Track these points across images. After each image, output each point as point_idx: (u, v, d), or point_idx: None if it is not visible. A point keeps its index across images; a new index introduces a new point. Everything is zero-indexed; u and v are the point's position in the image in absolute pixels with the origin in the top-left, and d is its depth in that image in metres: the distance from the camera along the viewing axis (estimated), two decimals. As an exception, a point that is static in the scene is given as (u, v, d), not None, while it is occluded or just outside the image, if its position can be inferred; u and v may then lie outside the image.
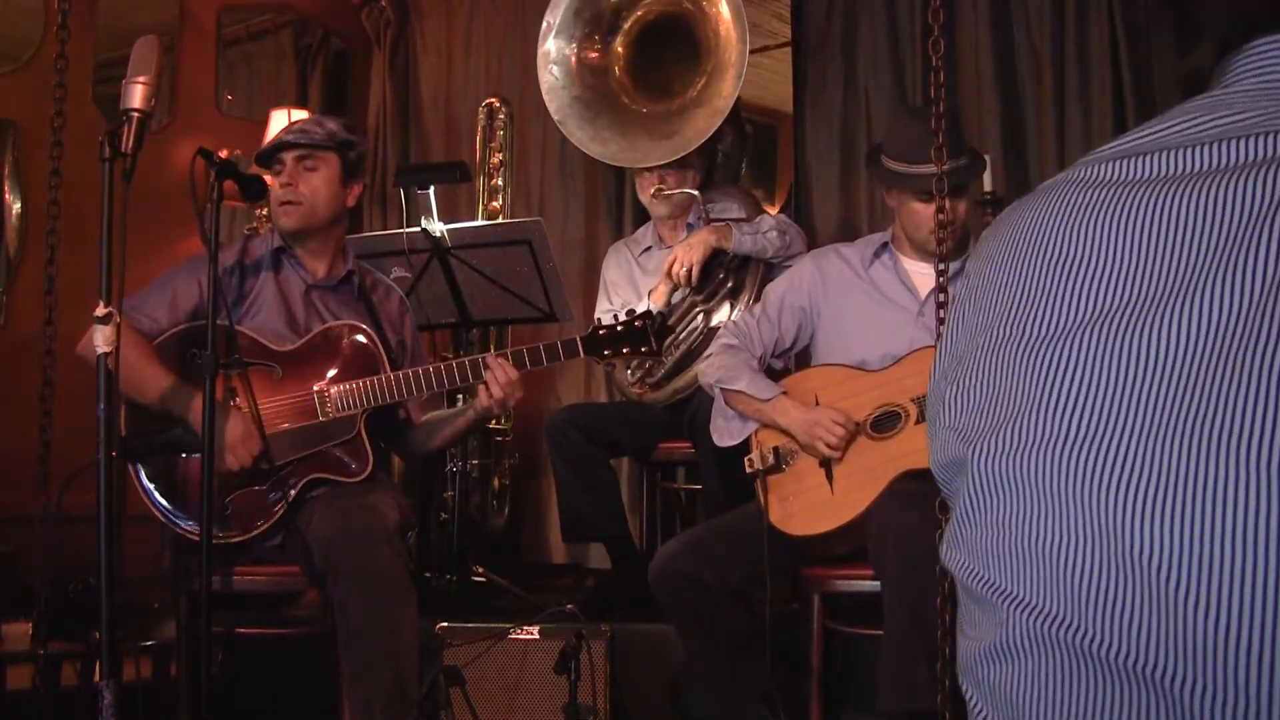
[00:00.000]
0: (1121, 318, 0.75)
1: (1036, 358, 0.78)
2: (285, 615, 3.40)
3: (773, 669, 2.79)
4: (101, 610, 2.21)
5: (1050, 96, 4.05)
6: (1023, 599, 0.76)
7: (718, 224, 3.61)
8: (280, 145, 2.93)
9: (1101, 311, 0.76)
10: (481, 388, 2.83)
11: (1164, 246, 0.75)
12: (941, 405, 0.86)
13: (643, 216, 4.15)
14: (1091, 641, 0.72)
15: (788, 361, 3.22)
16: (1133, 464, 0.72)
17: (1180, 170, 0.76)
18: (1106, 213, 0.78)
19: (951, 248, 2.89)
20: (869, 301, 3.01)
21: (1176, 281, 0.73)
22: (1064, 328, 0.77)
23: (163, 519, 2.78)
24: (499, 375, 2.79)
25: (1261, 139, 0.74)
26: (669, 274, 3.56)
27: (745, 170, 4.21)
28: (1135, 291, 0.75)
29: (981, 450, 0.80)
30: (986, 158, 3.84)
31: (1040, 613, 0.75)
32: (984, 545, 0.80)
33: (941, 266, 2.49)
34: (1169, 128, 0.80)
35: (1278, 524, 0.66)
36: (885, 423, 2.81)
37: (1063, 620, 0.73)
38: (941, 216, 2.64)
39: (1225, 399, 0.69)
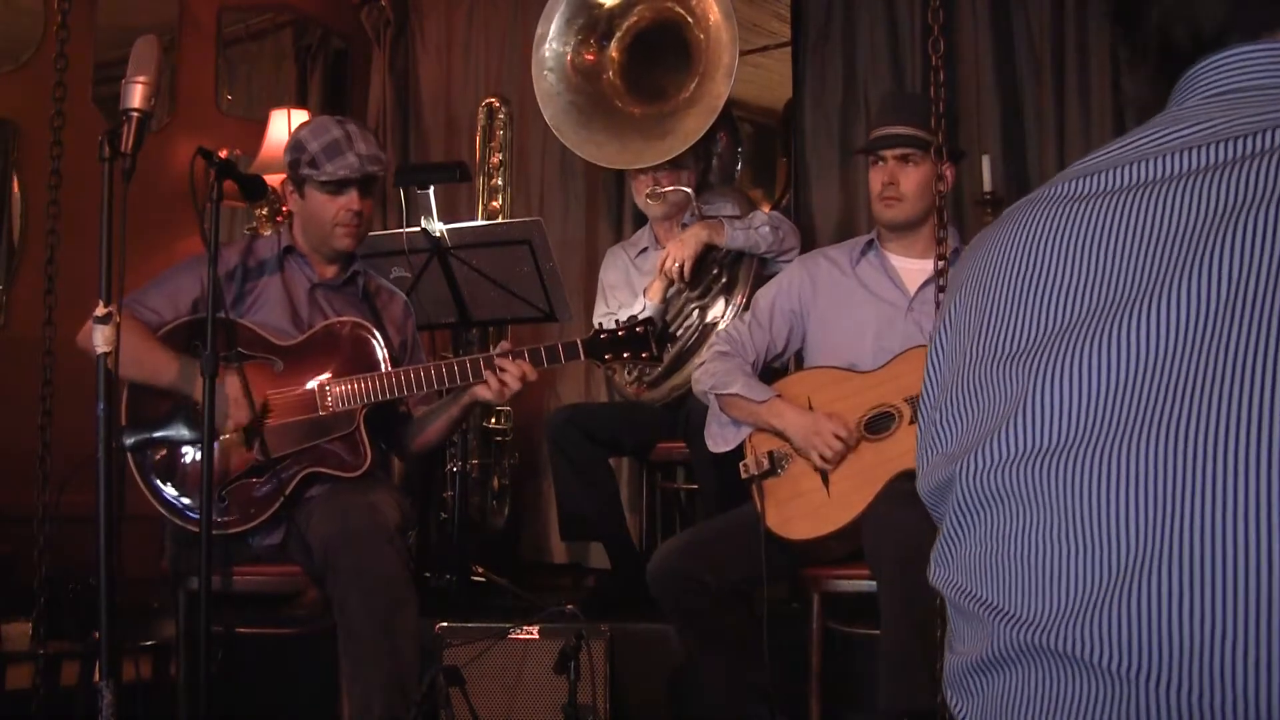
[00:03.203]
0: (1089, 326, 0.75)
1: (1010, 372, 0.78)
2: (285, 614, 3.40)
3: (772, 669, 2.79)
4: (101, 610, 2.21)
5: (1050, 96, 4.06)
6: (1008, 611, 0.76)
7: (710, 220, 3.62)
8: (368, 177, 2.92)
9: (1070, 322, 0.76)
10: (484, 386, 2.83)
11: (1127, 251, 0.75)
12: (932, 433, 0.87)
13: (642, 216, 4.16)
14: (1078, 648, 0.72)
15: (785, 365, 3.22)
16: (1113, 469, 0.72)
17: (1141, 178, 0.77)
18: (1068, 226, 0.79)
19: (907, 219, 2.97)
20: (858, 300, 3.02)
21: (1141, 284, 0.73)
22: (1035, 341, 0.78)
23: (163, 509, 2.79)
24: (514, 372, 2.80)
25: (1221, 145, 0.74)
26: (663, 271, 3.57)
27: (741, 170, 4.21)
28: (1101, 299, 0.75)
29: (965, 467, 0.81)
30: (985, 158, 3.85)
31: (1025, 623, 0.75)
32: (970, 561, 0.81)
33: (940, 262, 2.50)
34: (1131, 143, 0.80)
35: (1256, 526, 0.66)
36: (879, 424, 2.81)
37: (1047, 628, 0.73)
38: (941, 186, 2.66)
39: (1198, 399, 0.69)
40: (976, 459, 0.79)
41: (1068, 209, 0.79)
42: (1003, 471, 0.77)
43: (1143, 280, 0.73)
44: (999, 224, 0.86)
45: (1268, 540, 0.65)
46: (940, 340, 0.89)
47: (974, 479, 0.80)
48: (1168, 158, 0.76)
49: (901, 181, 2.96)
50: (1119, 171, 0.78)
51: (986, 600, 0.78)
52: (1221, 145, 0.74)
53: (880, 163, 3.01)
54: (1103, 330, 0.74)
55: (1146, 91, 0.86)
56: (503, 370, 2.81)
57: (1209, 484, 0.68)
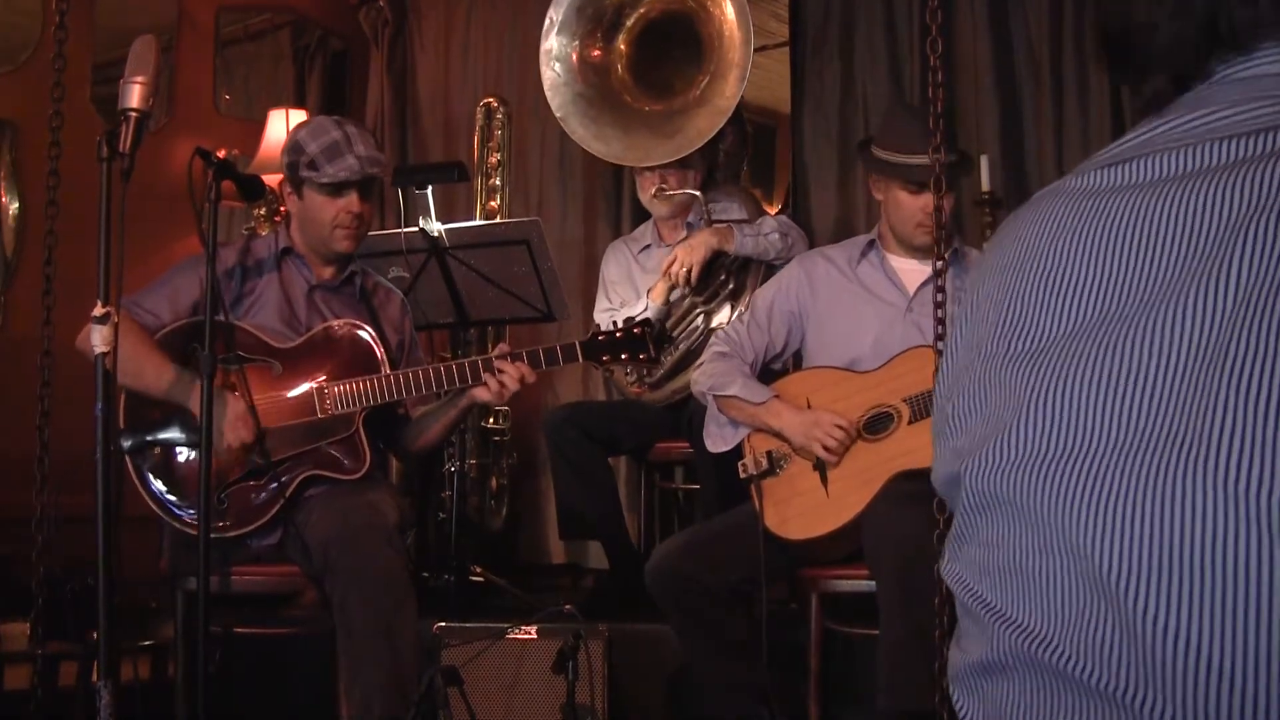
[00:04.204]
0: (1102, 331, 0.74)
1: (1020, 373, 0.77)
2: (283, 615, 3.40)
3: (771, 669, 2.79)
4: (99, 610, 2.21)
5: (1048, 96, 4.06)
6: (1009, 616, 0.75)
7: (719, 225, 3.61)
8: (368, 179, 2.91)
9: (1083, 325, 0.75)
10: (482, 387, 2.82)
11: (1144, 255, 0.73)
12: (945, 422, 0.85)
13: (640, 216, 4.16)
14: (1069, 662, 0.71)
15: (786, 364, 3.22)
16: (1105, 483, 0.70)
17: (1163, 174, 0.75)
18: (1089, 223, 0.77)
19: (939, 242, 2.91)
20: (857, 300, 3.01)
21: (1155, 292, 0.72)
22: (1047, 342, 0.76)
23: (161, 512, 2.78)
24: (513, 374, 2.80)
25: (1241, 140, 0.72)
26: (668, 273, 3.57)
27: (745, 169, 4.21)
28: (1116, 303, 0.74)
29: (971, 467, 0.79)
30: (984, 158, 3.85)
31: (1024, 630, 0.74)
32: (975, 560, 0.80)
33: (939, 265, 2.49)
34: (1153, 130, 0.79)
35: (1245, 550, 0.64)
36: (878, 424, 2.82)
37: (1044, 639, 0.72)
38: (940, 215, 2.65)
39: (1196, 418, 0.67)
40: (982, 459, 0.78)
41: (1090, 203, 0.77)
42: (1005, 475, 0.76)
43: (1155, 287, 0.72)
44: (1025, 211, 0.84)
45: (1269, 572, 0.64)
46: (960, 327, 0.87)
47: (978, 480, 0.79)
48: (1191, 151, 0.74)
49: (944, 208, 2.89)
50: (1142, 165, 0.76)
51: (988, 602, 0.77)
52: (1241, 141, 0.72)
53: (924, 190, 2.91)
54: (1112, 338, 0.73)
55: (1163, 95, 0.84)
56: (502, 372, 2.81)
57: (1195, 511, 0.66)
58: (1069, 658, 0.71)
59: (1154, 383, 0.70)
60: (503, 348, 2.93)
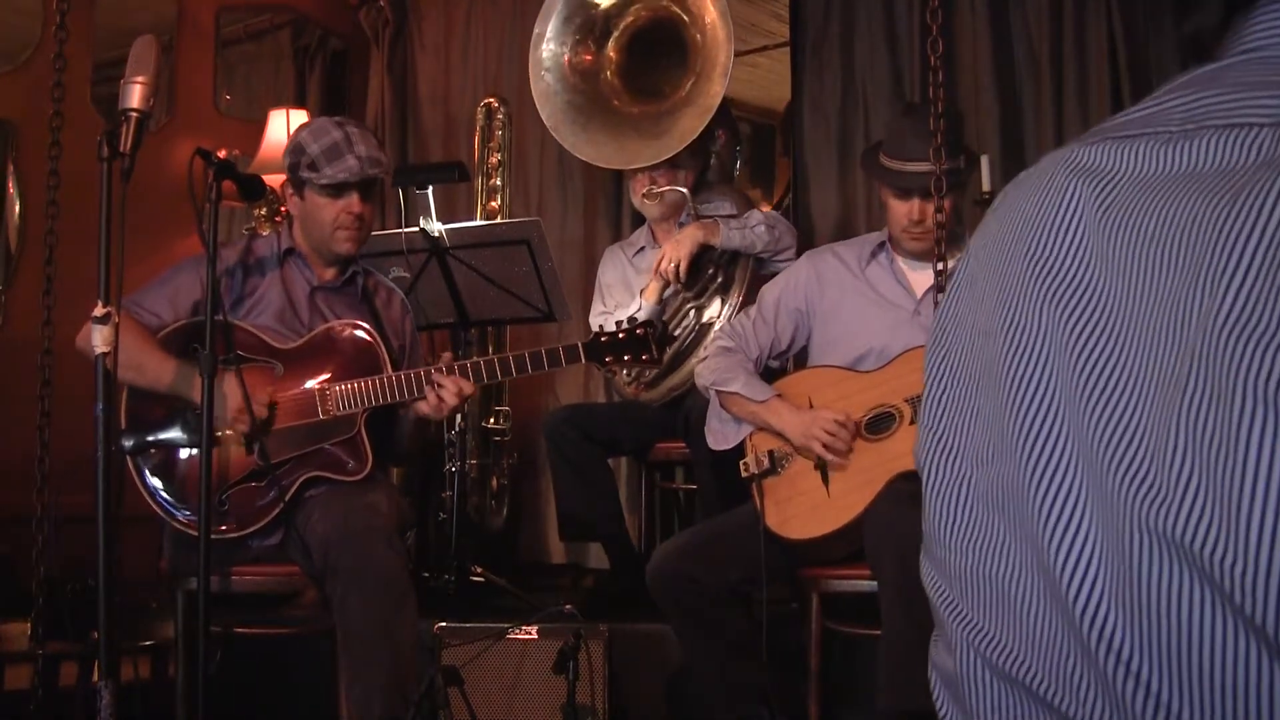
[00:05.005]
0: (1091, 337, 0.69)
1: (1004, 372, 0.73)
2: (284, 614, 3.40)
3: (771, 669, 2.79)
4: (100, 610, 2.21)
5: (1048, 96, 4.06)
6: (981, 627, 0.73)
7: (705, 220, 3.62)
8: (368, 180, 2.91)
9: (1073, 327, 0.71)
10: (423, 400, 2.82)
11: (1126, 264, 0.69)
12: (925, 396, 0.82)
13: (640, 216, 4.16)
14: (1043, 686, 0.68)
15: (785, 363, 3.22)
16: (1075, 504, 0.67)
17: (1154, 169, 0.71)
18: (1086, 215, 0.72)
19: (932, 247, 2.90)
20: (865, 301, 3.01)
21: (1133, 306, 0.68)
22: (1035, 342, 0.72)
23: (161, 512, 2.78)
24: (451, 389, 2.79)
25: (1229, 137, 0.68)
26: (659, 272, 3.57)
27: (740, 170, 4.21)
28: (1099, 310, 0.70)
29: (946, 466, 0.77)
30: (984, 158, 3.86)
31: (996, 644, 0.72)
32: (949, 564, 0.78)
33: (940, 266, 2.50)
34: (1160, 105, 0.74)
35: (1198, 609, 0.60)
36: (880, 424, 2.81)
37: (1017, 657, 0.70)
38: (940, 217, 2.65)
39: (1158, 454, 0.63)
40: (958, 459, 0.76)
41: (1089, 190, 0.72)
42: (979, 477, 0.73)
43: (1133, 301, 0.68)
44: (1027, 180, 0.78)
45: (1218, 635, 0.60)
46: (952, 298, 0.81)
47: (951, 482, 0.76)
48: (1184, 146, 0.69)
49: (937, 210, 2.79)
50: (1141, 150, 0.72)
51: (959, 609, 0.76)
52: (1228, 138, 0.68)
53: (910, 197, 2.89)
54: (1100, 347, 0.69)
55: (1191, 36, 0.77)
56: (441, 386, 2.80)
57: (1163, 560, 0.62)
58: (1041, 680, 0.68)
59: (1125, 405, 0.66)
60: (446, 357, 2.91)
